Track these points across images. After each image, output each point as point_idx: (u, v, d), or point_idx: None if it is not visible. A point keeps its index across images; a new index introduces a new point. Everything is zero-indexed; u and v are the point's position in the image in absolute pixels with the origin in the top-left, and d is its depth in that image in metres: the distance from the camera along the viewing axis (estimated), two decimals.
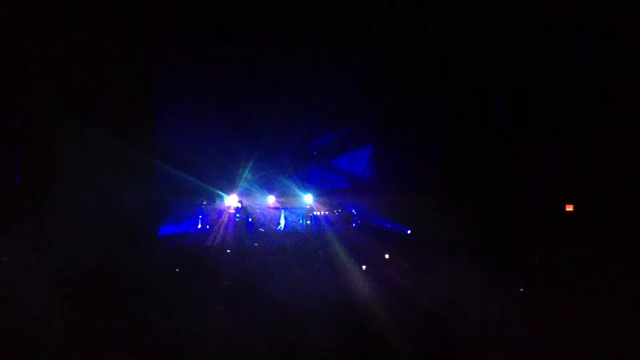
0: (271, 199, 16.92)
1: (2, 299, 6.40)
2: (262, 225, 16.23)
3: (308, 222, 16.51)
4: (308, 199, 17.21)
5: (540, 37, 13.14)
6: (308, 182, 17.56)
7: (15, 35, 12.55)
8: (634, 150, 11.65)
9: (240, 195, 16.41)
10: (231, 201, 16.45)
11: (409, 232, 15.62)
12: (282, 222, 16.37)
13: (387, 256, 9.80)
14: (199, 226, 16.31)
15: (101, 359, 4.96)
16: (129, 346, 5.08)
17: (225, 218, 16.13)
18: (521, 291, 7.35)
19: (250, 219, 15.91)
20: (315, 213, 16.83)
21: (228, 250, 11.21)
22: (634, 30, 11.60)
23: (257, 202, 16.78)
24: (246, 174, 16.67)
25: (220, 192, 16.77)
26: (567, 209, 13.21)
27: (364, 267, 8.83)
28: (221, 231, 15.44)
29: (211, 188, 16.59)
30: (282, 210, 16.51)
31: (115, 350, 5.01)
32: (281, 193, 17.09)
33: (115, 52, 13.75)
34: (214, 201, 16.69)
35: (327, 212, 16.64)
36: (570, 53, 13.19)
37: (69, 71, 13.12)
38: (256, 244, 11.80)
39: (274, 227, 16.30)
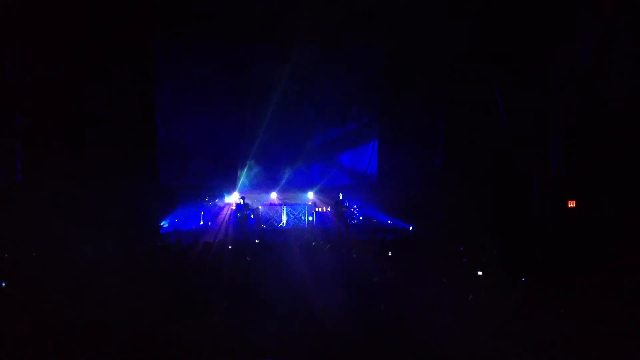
0: (273, 196, 16.96)
1: (3, 298, 6.42)
2: (264, 222, 16.25)
3: (310, 218, 16.53)
4: (310, 195, 17.25)
5: (543, 32, 13.08)
6: (310, 178, 17.59)
7: (16, 32, 12.55)
8: (637, 146, 11.61)
9: (242, 191, 16.44)
10: (233, 197, 16.49)
11: (410, 228, 15.61)
12: (284, 218, 16.39)
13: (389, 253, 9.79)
14: (201, 222, 16.34)
15: (102, 358, 4.97)
16: (129, 345, 5.10)
17: (227, 214, 16.16)
18: (524, 288, 7.34)
19: (252, 216, 15.92)
20: (317, 210, 16.86)
21: (230, 247, 11.20)
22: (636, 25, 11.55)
23: (259, 199, 16.81)
24: (248, 170, 16.71)
25: (223, 189, 16.82)
26: (569, 205, 13.17)
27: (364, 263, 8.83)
28: (223, 227, 15.48)
29: (213, 184, 16.64)
30: (284, 207, 16.53)
31: (116, 349, 5.02)
32: (283, 189, 17.12)
33: (116, 48, 13.74)
34: (216, 197, 16.73)
35: (329, 209, 16.65)
36: (572, 47, 13.12)
37: (70, 67, 13.10)
38: (257, 241, 11.78)
39: (276, 224, 16.32)
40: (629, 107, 11.91)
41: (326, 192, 17.10)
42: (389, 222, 16.54)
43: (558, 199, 13.29)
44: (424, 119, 16.74)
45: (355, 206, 16.64)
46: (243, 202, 15.15)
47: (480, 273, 7.74)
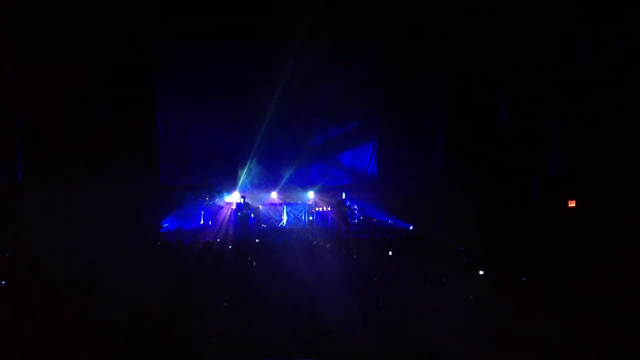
0: (273, 195, 16.96)
1: (3, 298, 6.42)
2: (264, 221, 16.25)
3: (310, 217, 16.53)
4: (310, 195, 17.25)
5: (544, 31, 13.08)
6: (310, 178, 17.59)
7: (16, 32, 12.55)
8: (636, 146, 11.61)
9: (243, 191, 16.45)
10: (233, 197, 16.49)
11: (410, 228, 15.61)
12: (285, 218, 16.39)
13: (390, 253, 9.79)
14: (202, 222, 16.34)
15: (102, 358, 4.97)
16: (129, 345, 5.09)
17: (227, 214, 16.16)
18: (524, 288, 7.34)
19: (252, 215, 15.93)
20: (317, 209, 16.87)
21: (230, 246, 11.21)
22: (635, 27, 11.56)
23: (260, 198, 16.82)
24: (248, 170, 16.72)
25: (223, 188, 16.82)
26: (569, 205, 13.17)
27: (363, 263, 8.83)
28: (223, 227, 15.48)
29: (214, 184, 16.64)
30: (285, 206, 16.53)
31: (116, 349, 5.02)
32: (283, 189, 17.13)
33: (116, 48, 13.75)
34: (217, 197, 16.74)
35: (329, 209, 16.67)
36: (572, 47, 13.13)
37: (70, 67, 13.11)
38: (258, 240, 11.79)
39: (277, 223, 16.32)
40: (629, 107, 11.91)
41: (326, 192, 17.10)
42: (389, 222, 16.54)
43: (558, 199, 13.28)
44: (424, 119, 16.74)
45: (355, 206, 16.65)
46: (243, 201, 15.14)
47: (481, 273, 7.74)
